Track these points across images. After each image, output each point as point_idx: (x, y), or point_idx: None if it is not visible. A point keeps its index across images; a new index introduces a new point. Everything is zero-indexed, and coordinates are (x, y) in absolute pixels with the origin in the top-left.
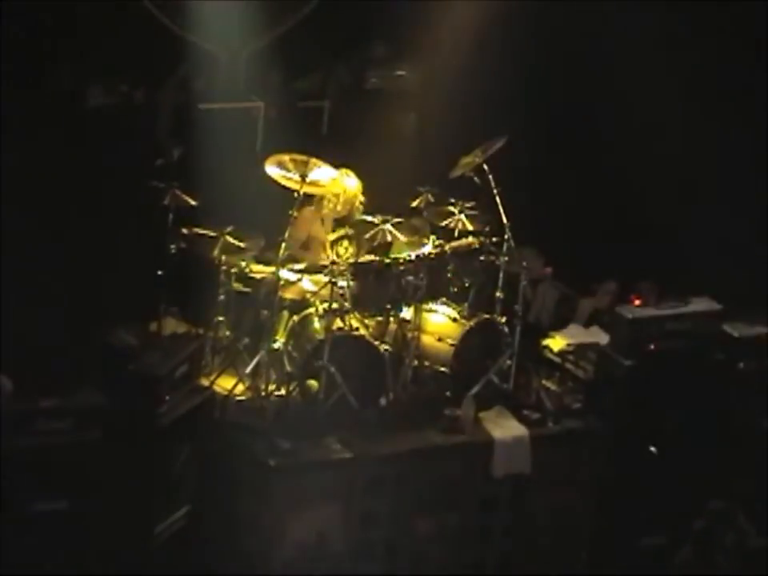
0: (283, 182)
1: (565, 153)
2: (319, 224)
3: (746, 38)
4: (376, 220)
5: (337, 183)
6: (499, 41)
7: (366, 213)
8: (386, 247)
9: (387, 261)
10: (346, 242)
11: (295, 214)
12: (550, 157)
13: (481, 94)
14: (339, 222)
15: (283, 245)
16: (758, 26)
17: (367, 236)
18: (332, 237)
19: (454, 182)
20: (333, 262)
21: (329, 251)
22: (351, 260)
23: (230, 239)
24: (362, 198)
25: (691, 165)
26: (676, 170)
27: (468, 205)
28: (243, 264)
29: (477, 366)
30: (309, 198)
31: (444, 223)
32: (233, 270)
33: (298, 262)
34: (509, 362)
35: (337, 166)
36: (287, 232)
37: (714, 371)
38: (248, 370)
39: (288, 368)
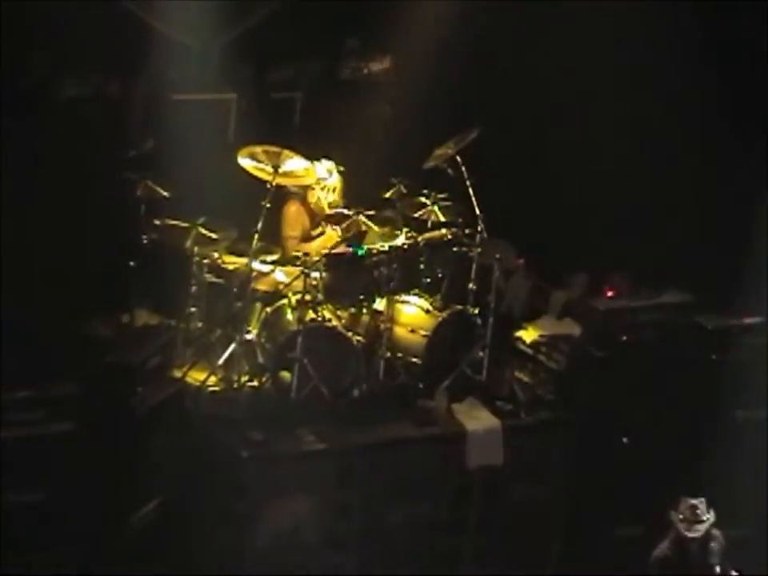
0: (256, 173)
1: (536, 144)
2: (307, 218)
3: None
4: (349, 211)
5: (311, 173)
6: (473, 32)
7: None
8: (359, 238)
9: (360, 251)
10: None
11: (267, 204)
12: (522, 148)
13: (454, 85)
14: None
15: (255, 236)
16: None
17: (340, 227)
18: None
19: (427, 173)
20: (306, 254)
21: (331, 239)
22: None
23: (203, 230)
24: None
25: (663, 157)
26: (646, 162)
27: (441, 196)
28: (216, 255)
29: (449, 358)
30: (292, 194)
31: (417, 214)
32: (205, 261)
33: (270, 253)
34: (481, 353)
35: (317, 159)
36: (260, 223)
37: (687, 363)
38: (220, 361)
39: (261, 359)
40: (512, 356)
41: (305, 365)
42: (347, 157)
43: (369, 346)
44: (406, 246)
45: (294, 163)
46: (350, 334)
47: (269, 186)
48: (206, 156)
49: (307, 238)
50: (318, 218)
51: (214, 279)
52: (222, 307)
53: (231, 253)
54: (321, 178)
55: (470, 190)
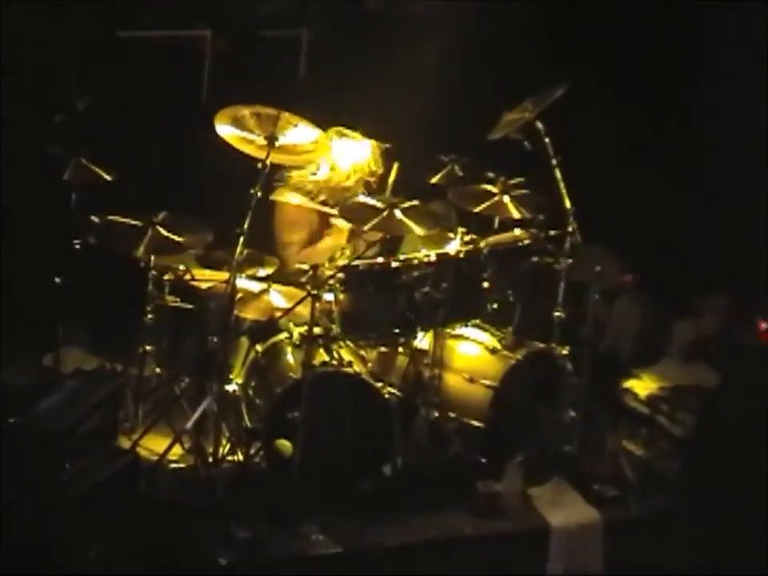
0: (241, 147)
1: (652, 109)
2: (316, 214)
3: None
4: (378, 203)
5: (324, 148)
6: None
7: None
8: (393, 244)
9: (395, 264)
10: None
11: (259, 193)
12: (631, 114)
13: (533, 20)
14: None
15: (241, 239)
16: None
17: (366, 227)
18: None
19: (494, 147)
20: (315, 266)
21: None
22: (342, 262)
23: (163, 231)
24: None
25: None
26: None
27: (513, 182)
28: (182, 268)
29: (526, 419)
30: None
31: (478, 208)
32: (166, 277)
33: (262, 264)
34: (572, 412)
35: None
36: (247, 221)
37: None
38: (189, 424)
39: (247, 422)
40: (617, 417)
41: (312, 429)
42: (377, 122)
43: (407, 401)
44: (461, 255)
45: (299, 133)
46: (379, 384)
47: (261, 165)
48: (168, 122)
49: (315, 242)
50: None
51: (180, 303)
52: (191, 344)
53: (205, 264)
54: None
55: (557, 173)
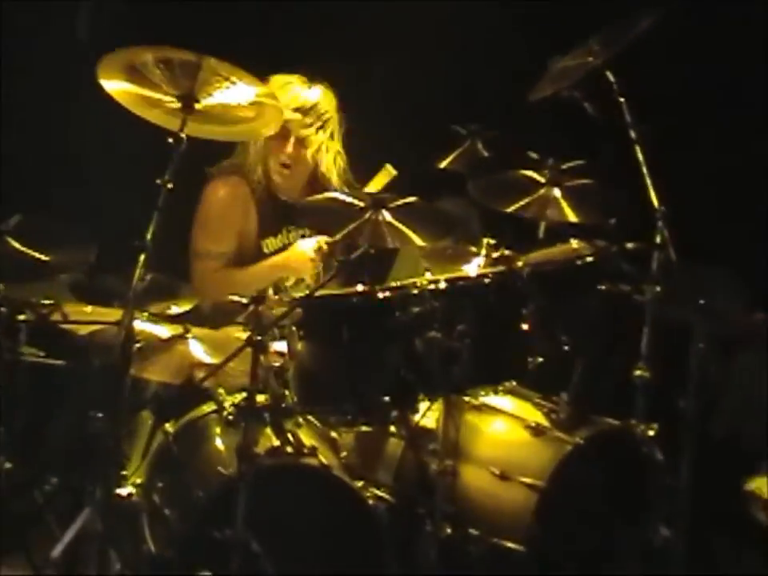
0: (142, 113)
1: None
2: (255, 212)
3: None
4: (356, 200)
5: (272, 113)
6: None
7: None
8: (381, 263)
9: (383, 294)
10: None
11: (169, 184)
12: (749, 75)
13: None
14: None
15: (142, 258)
16: None
17: (338, 236)
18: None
19: (538, 112)
20: (258, 298)
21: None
22: (302, 292)
23: (16, 245)
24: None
25: None
26: None
27: (568, 165)
28: (48, 303)
29: (591, 539)
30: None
31: (514, 207)
32: (22, 317)
33: (176, 296)
34: (666, 530)
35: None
36: (151, 227)
37: None
38: (56, 551)
39: (151, 546)
40: (738, 536)
41: (256, 556)
42: (361, 72)
43: (404, 510)
44: (488, 281)
45: (234, 90)
46: (359, 483)
47: (173, 140)
48: (27, 75)
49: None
50: (281, 215)
51: (43, 358)
52: (62, 424)
53: (85, 297)
54: None
55: (638, 152)
